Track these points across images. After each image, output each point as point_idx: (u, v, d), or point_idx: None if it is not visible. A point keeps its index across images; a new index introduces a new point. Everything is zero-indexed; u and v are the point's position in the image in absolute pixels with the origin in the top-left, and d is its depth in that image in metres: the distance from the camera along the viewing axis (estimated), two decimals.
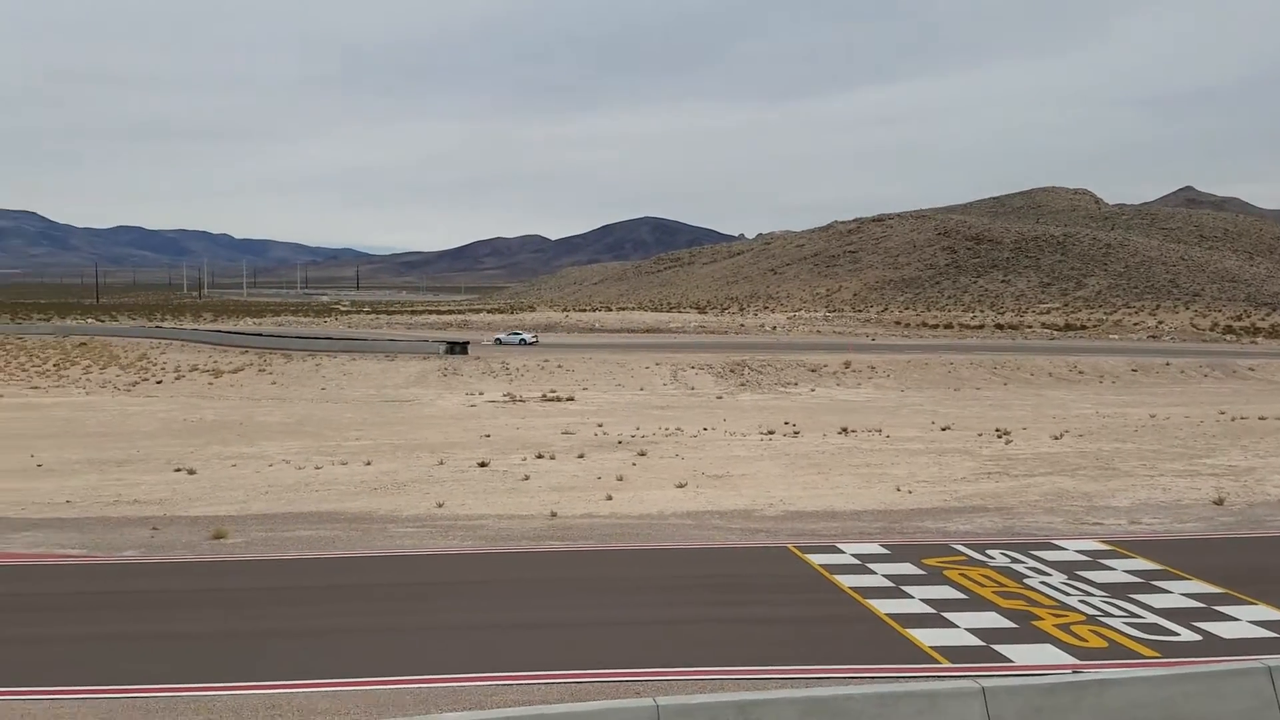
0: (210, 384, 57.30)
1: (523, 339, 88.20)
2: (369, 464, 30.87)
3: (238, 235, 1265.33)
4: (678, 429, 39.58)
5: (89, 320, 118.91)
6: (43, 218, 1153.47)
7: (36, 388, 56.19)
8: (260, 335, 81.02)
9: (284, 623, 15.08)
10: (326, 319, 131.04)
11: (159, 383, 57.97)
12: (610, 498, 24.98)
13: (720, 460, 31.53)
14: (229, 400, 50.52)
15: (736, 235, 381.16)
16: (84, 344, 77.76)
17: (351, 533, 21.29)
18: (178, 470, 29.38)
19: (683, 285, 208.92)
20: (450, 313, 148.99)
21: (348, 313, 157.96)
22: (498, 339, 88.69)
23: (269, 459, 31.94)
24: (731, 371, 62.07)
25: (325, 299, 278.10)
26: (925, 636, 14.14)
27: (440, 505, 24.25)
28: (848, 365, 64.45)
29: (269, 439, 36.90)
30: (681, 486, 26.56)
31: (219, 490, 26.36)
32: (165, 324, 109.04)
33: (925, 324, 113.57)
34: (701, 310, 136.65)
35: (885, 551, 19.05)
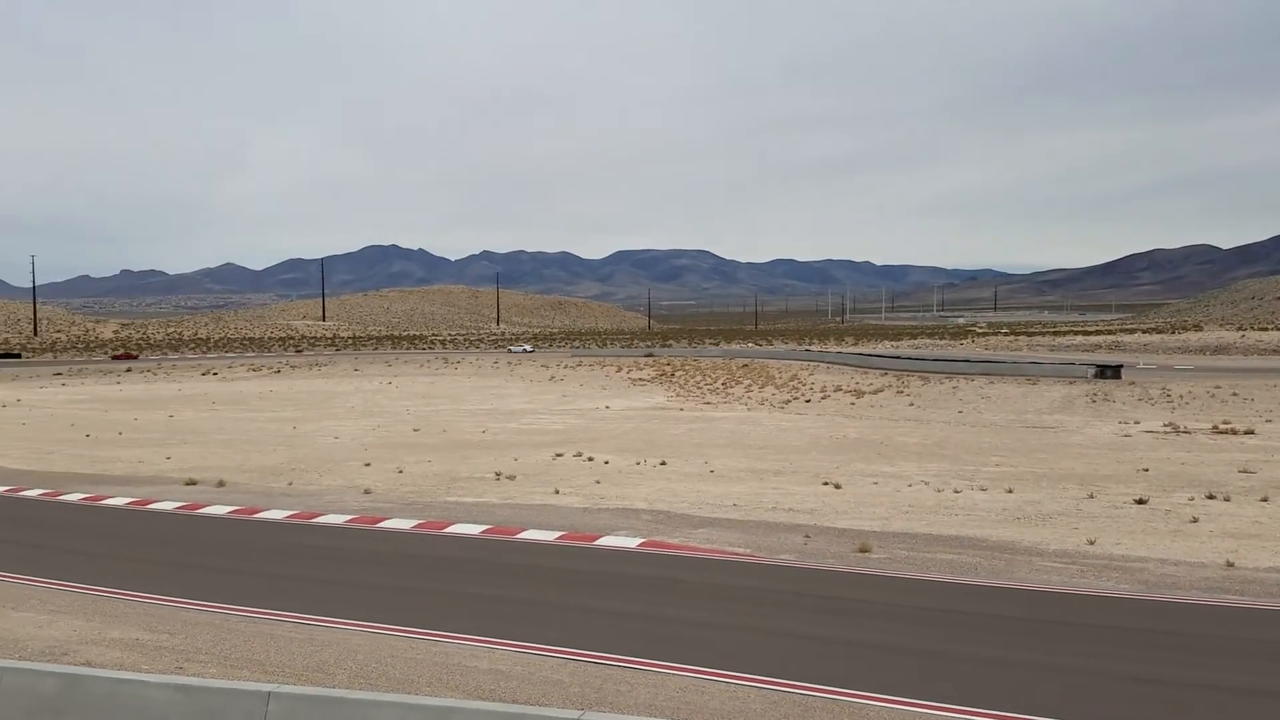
0: (852, 404, 60.44)
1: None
2: (1010, 491, 29.78)
3: (878, 262, 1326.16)
4: None
5: (750, 344, 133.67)
6: (714, 255, 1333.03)
7: (709, 403, 64.58)
8: (898, 358, 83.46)
9: (922, 643, 15.09)
10: (963, 341, 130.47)
11: (807, 401, 62.78)
12: None
13: None
14: (869, 420, 52.74)
15: None
16: (746, 365, 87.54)
17: (994, 561, 20.66)
18: (825, 484, 31.37)
19: None
20: (1098, 333, 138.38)
21: (984, 334, 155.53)
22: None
23: (908, 479, 32.55)
24: None
25: (961, 321, 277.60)
26: None
27: (1091, 542, 22.41)
28: None
29: (907, 459, 37.64)
30: None
31: (862, 506, 27.52)
32: (812, 347, 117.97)
33: None
34: None
35: None
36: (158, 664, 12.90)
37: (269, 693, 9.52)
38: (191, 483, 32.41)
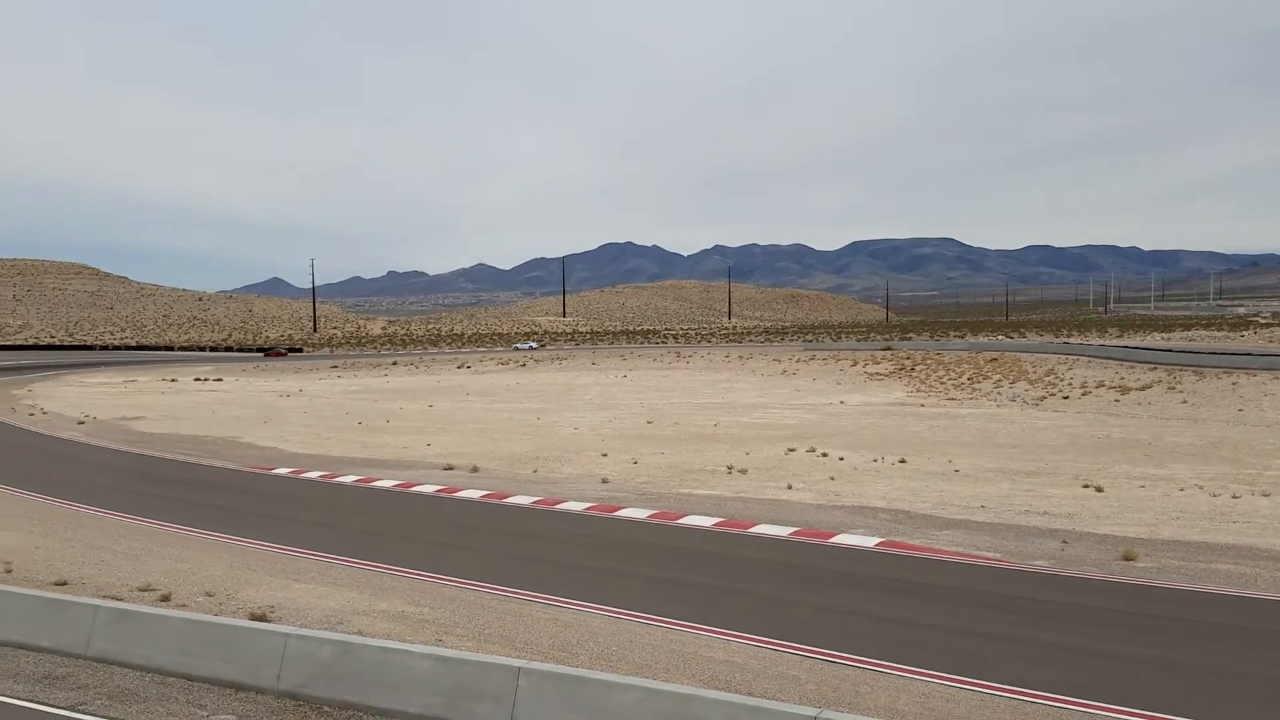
0: (1116, 401, 56.03)
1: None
2: None
3: (1146, 247, 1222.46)
4: None
5: (999, 337, 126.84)
6: (959, 243, 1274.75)
7: (953, 399, 61.82)
8: (1169, 351, 76.60)
9: (1192, 659, 13.76)
10: (1244, 333, 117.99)
11: (1065, 398, 58.79)
12: None
13: None
14: (1136, 418, 48.71)
15: None
16: (995, 359, 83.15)
17: (1277, 573, 18.56)
18: (1085, 486, 29.25)
19: None
20: None
21: (1268, 325, 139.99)
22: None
23: (1179, 482, 29.78)
24: None
25: (1241, 311, 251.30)
26: None
27: None
28: None
29: (1179, 461, 34.45)
30: None
31: (1126, 510, 25.46)
32: (1071, 340, 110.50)
33: None
34: None
35: None
36: (420, 635, 13.90)
37: (519, 668, 10.02)
38: (449, 468, 34.70)
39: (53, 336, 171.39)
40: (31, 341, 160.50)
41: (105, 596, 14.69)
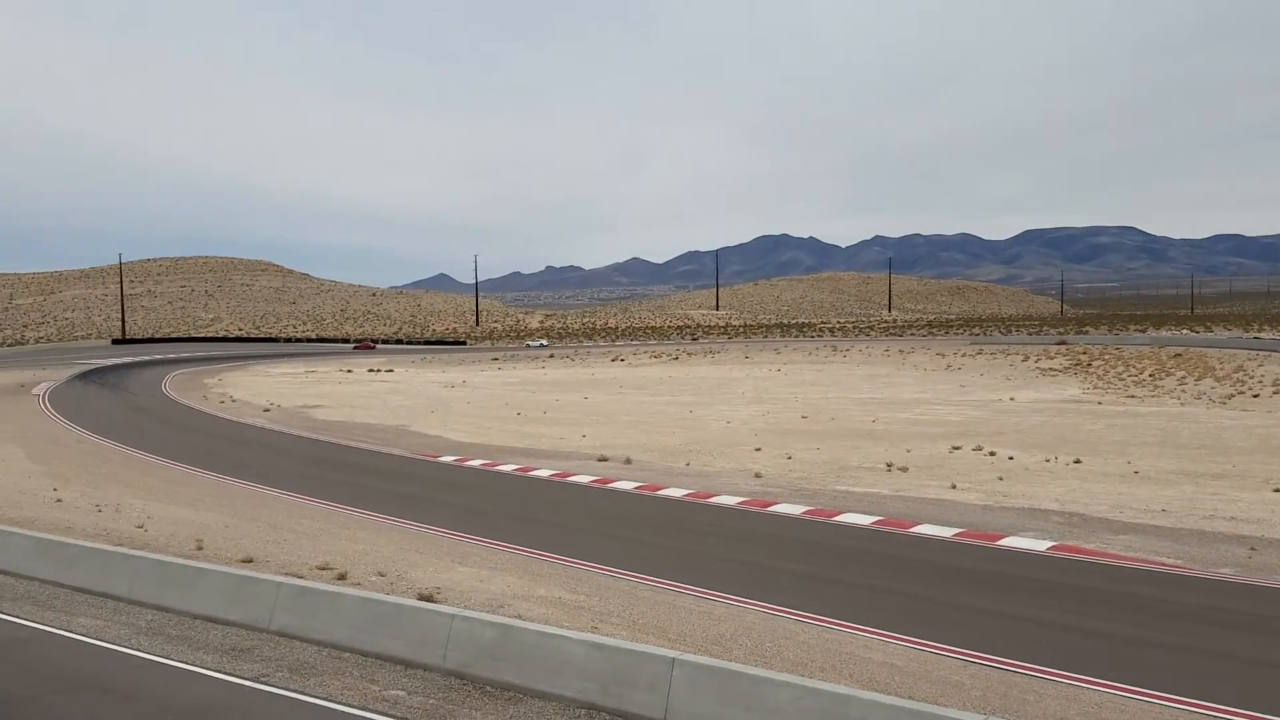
0: None
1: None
2: None
3: None
4: None
5: (1183, 331, 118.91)
6: (1141, 232, 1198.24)
7: (1133, 396, 58.23)
8: None
9: None
10: None
11: (1255, 396, 54.49)
12: None
13: None
14: None
15: None
16: (1179, 355, 78.00)
17: None
18: (1276, 490, 27.04)
19: None
20: None
21: None
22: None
23: None
24: None
25: None
26: None
27: None
28: None
29: None
30: None
31: None
32: (1262, 335, 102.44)
33: None
34: None
35: None
36: (576, 621, 14.16)
37: (673, 659, 10.05)
38: (603, 459, 35.24)
39: (241, 329, 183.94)
40: (221, 334, 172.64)
41: (287, 574, 15.62)
